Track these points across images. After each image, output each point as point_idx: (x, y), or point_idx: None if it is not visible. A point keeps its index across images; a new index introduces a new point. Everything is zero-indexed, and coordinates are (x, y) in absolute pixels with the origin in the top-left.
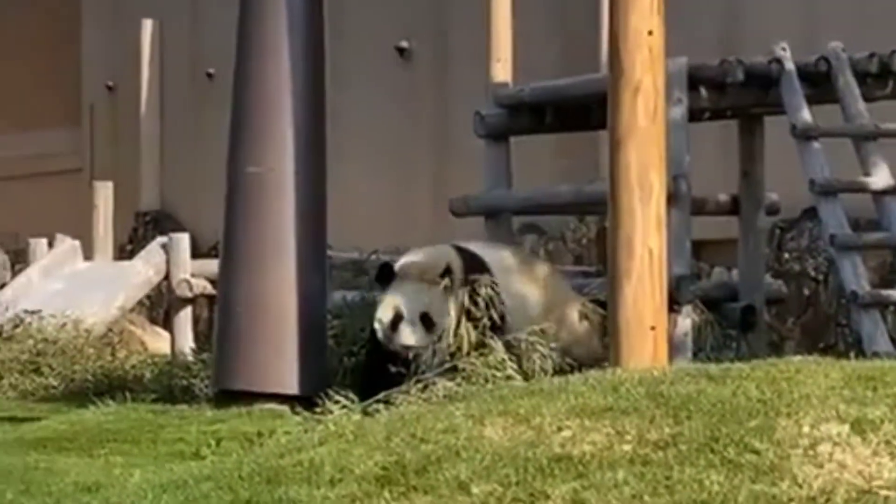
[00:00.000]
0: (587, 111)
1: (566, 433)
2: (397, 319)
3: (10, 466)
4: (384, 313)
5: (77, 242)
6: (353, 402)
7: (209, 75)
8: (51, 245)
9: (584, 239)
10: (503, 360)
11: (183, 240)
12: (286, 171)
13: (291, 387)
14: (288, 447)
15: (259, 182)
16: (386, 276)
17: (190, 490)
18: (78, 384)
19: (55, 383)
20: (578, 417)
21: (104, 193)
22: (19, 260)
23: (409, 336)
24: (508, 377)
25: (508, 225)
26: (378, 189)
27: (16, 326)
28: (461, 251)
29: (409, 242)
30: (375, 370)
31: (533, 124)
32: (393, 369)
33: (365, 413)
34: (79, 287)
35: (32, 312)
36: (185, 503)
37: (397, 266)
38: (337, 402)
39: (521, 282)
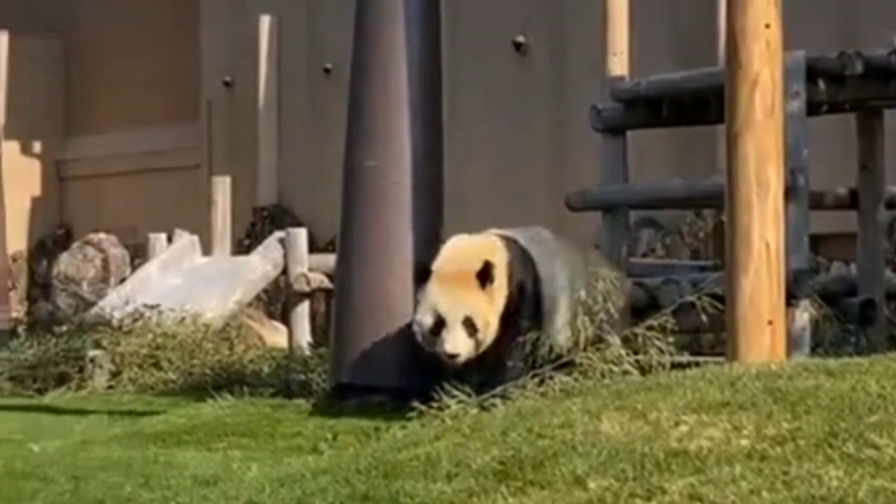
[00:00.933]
0: (704, 105)
1: (683, 428)
2: (438, 325)
3: (129, 460)
4: (423, 318)
5: (195, 237)
6: (469, 395)
7: (326, 70)
8: (170, 240)
9: (700, 233)
10: (620, 354)
11: (300, 234)
12: (403, 164)
13: (408, 381)
14: (405, 441)
15: (376, 176)
16: (421, 278)
17: (307, 484)
18: (196, 378)
19: (174, 377)
20: (695, 412)
21: (222, 188)
22: (138, 255)
23: (452, 344)
24: (625, 372)
25: (625, 219)
26: (495, 182)
27: (135, 321)
28: (507, 240)
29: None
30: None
31: (649, 118)
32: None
33: (481, 407)
34: (197, 282)
35: (151, 307)
36: (302, 497)
37: (434, 265)
38: (453, 396)
39: (561, 267)
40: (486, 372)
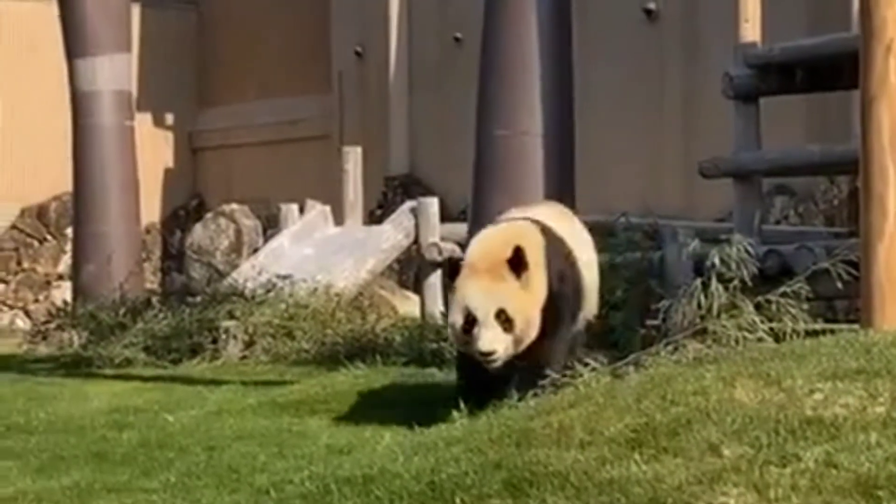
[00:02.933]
0: (838, 71)
1: (818, 396)
2: (470, 322)
3: (263, 429)
4: (455, 316)
5: (327, 208)
6: (602, 364)
7: (457, 39)
8: (301, 211)
9: (835, 200)
10: (754, 321)
11: (432, 204)
12: (535, 134)
13: None
14: (538, 409)
15: (508, 145)
16: (452, 272)
17: (440, 452)
18: (329, 348)
19: (307, 347)
20: (830, 380)
21: (354, 158)
22: (270, 225)
23: (486, 341)
24: (759, 339)
25: (758, 186)
26: (627, 151)
27: (268, 291)
28: (538, 224)
29: (658, 204)
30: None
31: (783, 85)
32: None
33: (615, 375)
34: (329, 252)
35: (284, 277)
36: (435, 466)
37: (469, 253)
38: (586, 364)
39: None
40: (529, 370)
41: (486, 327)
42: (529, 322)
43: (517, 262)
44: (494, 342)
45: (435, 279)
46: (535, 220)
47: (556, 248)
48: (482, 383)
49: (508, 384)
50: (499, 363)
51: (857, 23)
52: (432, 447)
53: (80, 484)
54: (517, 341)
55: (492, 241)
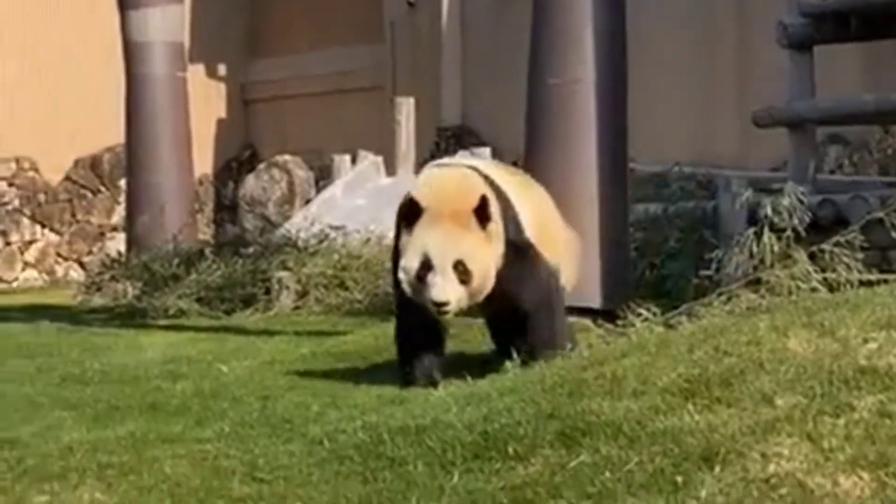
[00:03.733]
0: (892, 18)
1: (872, 345)
2: (425, 268)
3: (316, 380)
4: (410, 261)
5: (379, 158)
6: (655, 314)
7: None
8: (354, 161)
9: (889, 149)
10: (807, 271)
11: (484, 154)
12: (587, 82)
13: (594, 300)
14: (590, 360)
15: (560, 94)
16: (411, 214)
17: (493, 403)
18: (381, 298)
19: (359, 298)
20: (885, 329)
21: (406, 109)
22: (323, 176)
23: (441, 290)
24: (813, 289)
25: (812, 136)
26: (680, 100)
27: (320, 242)
28: (480, 173)
29: (711, 153)
30: (417, 332)
31: (838, 33)
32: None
33: (667, 325)
34: (382, 202)
35: (336, 228)
36: (487, 416)
37: (424, 199)
38: (639, 314)
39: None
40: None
41: (442, 276)
42: (487, 277)
43: (483, 213)
44: (450, 292)
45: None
46: (476, 169)
47: (501, 202)
48: (416, 354)
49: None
50: (449, 315)
51: None
52: (485, 397)
53: (134, 434)
54: (472, 295)
55: (450, 187)
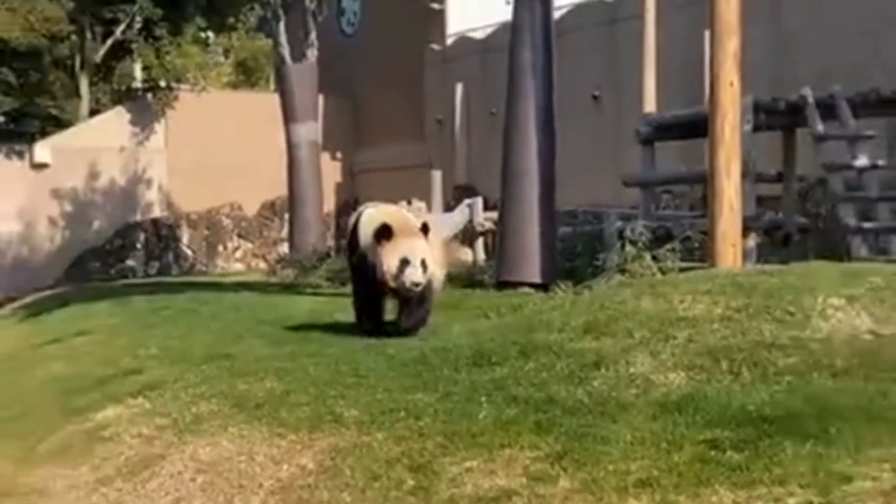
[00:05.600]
0: (697, 127)
1: (686, 303)
2: (403, 264)
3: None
4: (392, 261)
5: (423, 203)
6: (568, 287)
7: (492, 113)
8: (409, 204)
9: (695, 196)
10: (650, 264)
11: (479, 200)
12: (534, 163)
13: (536, 278)
14: (534, 312)
15: (517, 165)
16: (386, 233)
17: (482, 335)
18: None
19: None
20: (692, 295)
21: (437, 176)
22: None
23: (418, 276)
24: (653, 274)
25: (653, 190)
26: (583, 167)
27: None
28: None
29: (600, 200)
30: (371, 303)
31: (667, 136)
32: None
33: (576, 293)
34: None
35: None
36: (480, 342)
37: (391, 222)
38: (561, 287)
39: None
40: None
41: (416, 268)
42: (435, 269)
43: (426, 230)
44: (421, 277)
45: (480, 242)
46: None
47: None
48: (376, 316)
49: (402, 317)
50: (419, 290)
51: (707, 101)
52: (478, 332)
53: (294, 351)
54: (426, 279)
55: (399, 217)
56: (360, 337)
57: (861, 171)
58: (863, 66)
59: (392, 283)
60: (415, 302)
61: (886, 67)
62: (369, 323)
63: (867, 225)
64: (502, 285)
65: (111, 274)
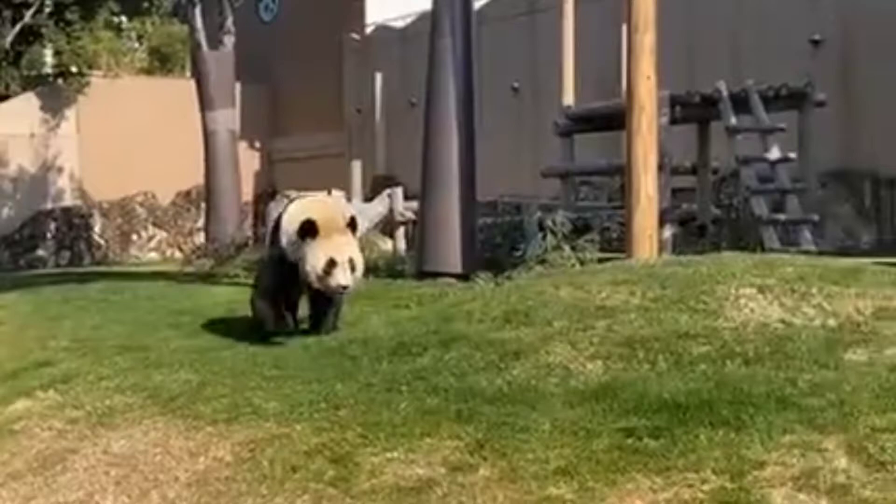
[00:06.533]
0: (615, 119)
1: (604, 294)
2: (330, 265)
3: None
4: (318, 261)
5: (342, 193)
6: (488, 277)
7: (412, 103)
8: (329, 194)
9: (614, 188)
10: (570, 255)
11: (399, 190)
12: (454, 151)
13: (457, 268)
14: (454, 302)
15: (439, 160)
16: (311, 231)
17: (403, 325)
18: None
19: None
20: (610, 285)
21: (357, 167)
22: None
23: (346, 279)
24: (573, 264)
25: (573, 181)
26: (504, 162)
27: None
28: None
29: (520, 191)
30: (281, 298)
31: (585, 127)
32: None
33: (496, 283)
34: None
35: None
36: (401, 332)
37: (317, 218)
38: (481, 278)
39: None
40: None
41: (343, 269)
42: (360, 268)
43: (353, 227)
44: (349, 279)
45: (401, 232)
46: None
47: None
48: (280, 314)
49: (326, 316)
50: (348, 292)
51: (625, 94)
52: (398, 322)
53: (210, 343)
54: (354, 280)
55: (327, 210)
56: (262, 337)
57: (773, 163)
58: (773, 61)
59: (316, 285)
60: (335, 303)
61: (795, 64)
62: (275, 321)
63: (779, 216)
64: (423, 275)
65: (20, 264)
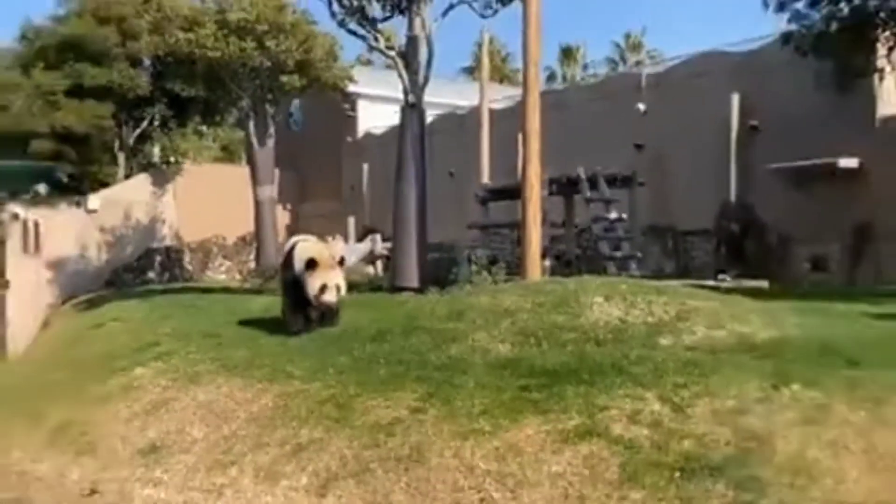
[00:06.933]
0: (513, 192)
1: (508, 301)
2: (323, 289)
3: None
4: (316, 285)
5: (341, 237)
6: (437, 290)
7: (388, 181)
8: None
9: (515, 236)
10: (487, 277)
11: (378, 236)
12: (413, 215)
13: (415, 284)
14: (414, 306)
15: (402, 215)
16: (313, 264)
17: (379, 322)
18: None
19: None
20: (512, 296)
21: (351, 221)
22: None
23: (334, 298)
24: (491, 283)
25: (488, 231)
26: (443, 220)
27: None
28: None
29: (455, 237)
30: (298, 309)
31: (497, 198)
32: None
33: (441, 294)
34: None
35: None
36: (378, 325)
37: (317, 257)
38: (432, 291)
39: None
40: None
41: (332, 291)
42: (343, 291)
43: (342, 262)
44: (335, 299)
45: (380, 263)
46: (321, 240)
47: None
48: (300, 319)
49: (325, 317)
50: (334, 308)
51: (520, 176)
52: (377, 320)
53: (252, 333)
54: (338, 298)
55: (322, 250)
56: (287, 331)
57: (612, 221)
58: (613, 157)
59: (314, 301)
60: (330, 312)
61: (626, 159)
62: (296, 324)
63: (616, 254)
64: (394, 289)
65: (137, 283)
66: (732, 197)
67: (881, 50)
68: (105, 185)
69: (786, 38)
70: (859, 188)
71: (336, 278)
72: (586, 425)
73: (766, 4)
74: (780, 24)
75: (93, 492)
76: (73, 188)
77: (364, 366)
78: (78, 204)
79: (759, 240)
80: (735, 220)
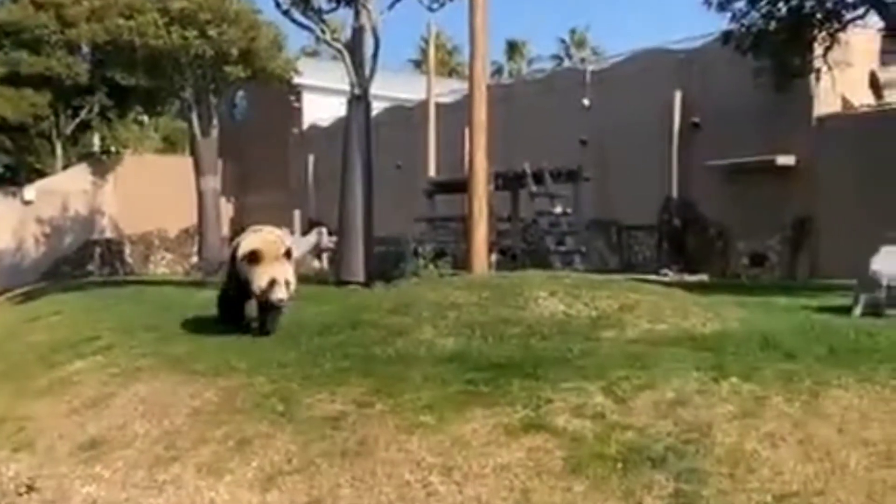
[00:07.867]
0: (462, 186)
1: (454, 295)
2: (271, 284)
3: None
4: (262, 280)
5: (287, 230)
6: (383, 284)
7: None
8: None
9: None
10: (433, 271)
11: (324, 229)
12: (359, 206)
13: (361, 278)
14: (360, 299)
15: (349, 208)
16: (256, 258)
17: (326, 314)
18: None
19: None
20: (458, 290)
21: (297, 214)
22: None
23: (283, 294)
24: (437, 276)
25: (435, 224)
26: (390, 213)
27: None
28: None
29: (402, 230)
30: (232, 308)
31: (443, 191)
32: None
33: (386, 288)
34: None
35: None
36: (324, 318)
37: (261, 250)
38: (377, 284)
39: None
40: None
41: (281, 287)
42: (292, 286)
43: (288, 255)
44: (285, 294)
45: (326, 255)
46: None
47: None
48: (235, 318)
49: (266, 322)
50: (285, 304)
51: (467, 170)
52: (324, 313)
53: (198, 326)
54: (289, 296)
55: (268, 241)
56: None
57: (557, 216)
58: (559, 152)
59: (261, 298)
60: (276, 312)
61: (571, 154)
62: (231, 321)
63: (561, 248)
64: (340, 283)
65: (76, 275)
66: (674, 193)
67: (818, 50)
68: (43, 175)
69: (726, 36)
70: (796, 185)
71: (286, 273)
72: (531, 418)
73: (707, 3)
74: (721, 22)
75: (30, 489)
76: (9, 179)
77: (309, 360)
78: (14, 195)
79: (701, 235)
80: (677, 216)
